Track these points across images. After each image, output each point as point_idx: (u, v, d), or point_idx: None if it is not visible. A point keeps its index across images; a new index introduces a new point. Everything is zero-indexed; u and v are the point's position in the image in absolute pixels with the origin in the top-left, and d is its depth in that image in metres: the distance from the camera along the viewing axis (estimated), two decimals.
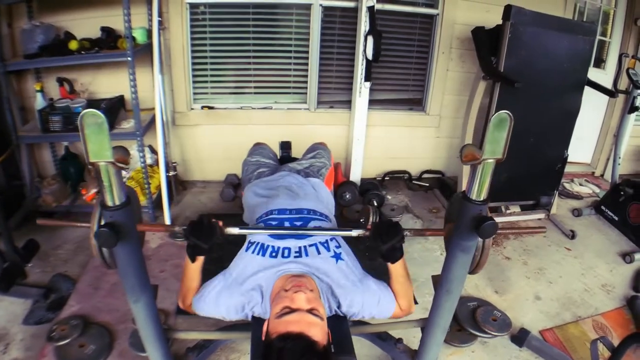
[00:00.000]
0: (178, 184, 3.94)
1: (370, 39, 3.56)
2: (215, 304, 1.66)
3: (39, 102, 3.19)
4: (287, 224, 1.83)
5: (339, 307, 1.67)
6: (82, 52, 3.17)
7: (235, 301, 1.64)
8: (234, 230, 1.64)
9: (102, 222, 1.32)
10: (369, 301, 1.68)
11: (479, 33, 3.49)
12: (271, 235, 1.77)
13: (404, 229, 1.62)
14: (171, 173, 3.64)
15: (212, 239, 1.60)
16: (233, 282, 1.67)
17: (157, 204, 3.55)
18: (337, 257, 1.71)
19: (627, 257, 3.53)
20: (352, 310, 1.68)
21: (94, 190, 3.45)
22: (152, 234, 3.31)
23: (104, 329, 2.45)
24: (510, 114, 1.22)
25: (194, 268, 1.71)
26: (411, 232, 1.65)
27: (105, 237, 1.26)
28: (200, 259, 1.69)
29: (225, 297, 1.65)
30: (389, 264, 1.69)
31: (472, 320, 2.64)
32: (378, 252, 1.65)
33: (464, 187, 1.45)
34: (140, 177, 3.49)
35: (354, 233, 1.67)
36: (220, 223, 1.63)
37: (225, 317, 1.69)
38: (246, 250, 1.74)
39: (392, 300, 1.73)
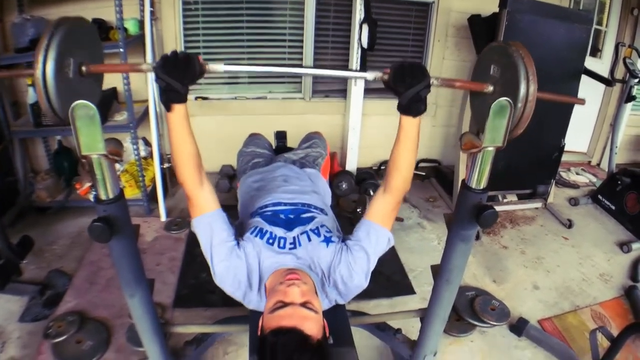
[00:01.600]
0: (172, 176, 3.91)
1: (365, 28, 3.52)
2: (221, 261, 1.54)
3: (31, 97, 3.14)
4: (282, 215, 1.79)
5: (339, 293, 1.64)
6: None
7: (239, 273, 1.57)
8: (217, 67, 1.34)
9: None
10: (358, 266, 1.58)
11: (475, 21, 3.47)
12: (267, 222, 1.73)
13: (431, 75, 1.35)
14: (165, 165, 3.61)
15: (190, 77, 1.30)
16: (243, 256, 1.58)
17: (151, 196, 3.54)
18: (328, 240, 1.66)
19: (624, 246, 3.54)
20: (350, 285, 1.60)
21: (87, 185, 3.42)
22: (147, 227, 3.30)
23: (100, 325, 2.43)
24: (510, 101, 1.20)
25: (177, 121, 1.39)
26: (439, 79, 1.39)
27: (99, 232, 1.24)
28: (180, 110, 1.36)
29: (233, 265, 1.55)
30: (403, 120, 1.45)
31: (470, 309, 2.64)
32: (398, 103, 1.40)
33: (460, 175, 1.43)
34: (135, 170, 3.46)
35: (369, 76, 1.42)
36: (200, 58, 1.31)
37: (217, 276, 1.56)
38: (246, 233, 1.69)
39: (377, 233, 1.60)
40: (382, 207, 1.62)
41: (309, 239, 1.67)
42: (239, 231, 1.75)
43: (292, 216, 1.79)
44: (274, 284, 1.51)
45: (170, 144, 1.46)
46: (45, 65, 1.12)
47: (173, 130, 1.41)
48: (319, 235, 1.69)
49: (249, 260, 1.58)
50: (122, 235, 1.34)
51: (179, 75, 1.28)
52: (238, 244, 1.61)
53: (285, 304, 1.38)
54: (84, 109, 1.11)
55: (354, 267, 1.58)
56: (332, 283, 1.62)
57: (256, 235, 1.66)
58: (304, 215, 1.79)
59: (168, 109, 1.35)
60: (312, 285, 1.53)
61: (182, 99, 1.34)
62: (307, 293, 1.44)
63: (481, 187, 1.34)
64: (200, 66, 1.30)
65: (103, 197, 1.28)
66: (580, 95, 3.63)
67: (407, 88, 1.34)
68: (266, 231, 1.68)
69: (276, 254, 1.62)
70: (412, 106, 1.39)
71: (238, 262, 1.56)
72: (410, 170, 1.53)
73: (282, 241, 1.66)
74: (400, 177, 1.53)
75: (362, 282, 1.60)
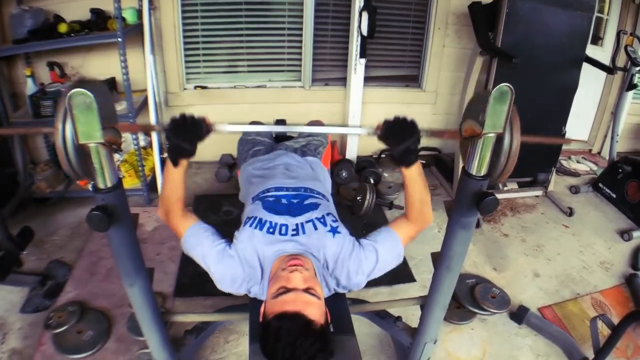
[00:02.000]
0: None
1: (365, 15, 3.50)
2: (215, 265, 1.57)
3: (30, 88, 3.14)
4: (284, 200, 1.79)
5: (338, 284, 1.64)
6: (72, 34, 3.10)
7: (235, 272, 1.58)
8: (223, 127, 1.42)
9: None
10: (366, 263, 1.61)
11: (476, 8, 3.43)
12: (268, 210, 1.72)
13: (420, 129, 1.43)
14: (165, 155, 3.60)
15: (198, 138, 1.40)
16: (235, 254, 1.59)
17: (151, 186, 3.54)
18: (334, 230, 1.67)
19: (625, 234, 3.54)
20: (353, 281, 1.62)
21: None
22: (148, 216, 3.29)
23: (101, 314, 2.44)
24: (511, 87, 1.19)
25: (178, 175, 1.52)
26: (428, 132, 1.45)
27: (97, 221, 1.23)
28: (184, 164, 1.50)
29: (226, 265, 1.57)
30: (403, 169, 1.54)
31: (470, 297, 2.64)
32: (390, 155, 1.51)
33: (461, 163, 1.43)
34: (134, 160, 3.45)
35: (363, 131, 1.51)
36: (207, 120, 1.41)
37: (216, 280, 1.60)
38: (244, 225, 1.70)
39: (393, 238, 1.65)
40: (404, 228, 1.68)
41: (315, 228, 1.67)
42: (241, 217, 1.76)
43: (295, 201, 1.79)
44: (275, 270, 1.52)
45: (164, 189, 1.58)
46: (65, 135, 1.19)
47: (171, 181, 1.55)
48: (325, 224, 1.69)
49: (244, 255, 1.59)
50: (120, 224, 1.33)
51: (188, 137, 1.39)
52: (229, 243, 1.63)
53: (288, 290, 1.39)
54: (81, 97, 1.10)
55: (362, 264, 1.61)
56: (334, 275, 1.63)
57: (255, 227, 1.66)
58: (308, 202, 1.79)
59: (175, 164, 1.47)
60: (314, 272, 1.54)
61: (190, 155, 1.44)
62: (310, 279, 1.45)
63: (482, 174, 1.33)
64: (208, 126, 1.39)
65: (101, 186, 1.27)
66: (581, 82, 3.61)
67: (398, 143, 1.42)
68: (265, 221, 1.68)
69: (278, 242, 1.62)
70: (404, 158, 1.48)
71: (231, 262, 1.58)
72: (425, 204, 1.65)
73: (283, 228, 1.66)
74: (416, 211, 1.64)
75: (362, 282, 1.63)
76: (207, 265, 1.58)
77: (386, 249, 1.64)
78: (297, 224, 1.67)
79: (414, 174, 1.55)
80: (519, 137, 1.33)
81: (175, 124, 1.38)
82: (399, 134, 1.42)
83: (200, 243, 1.59)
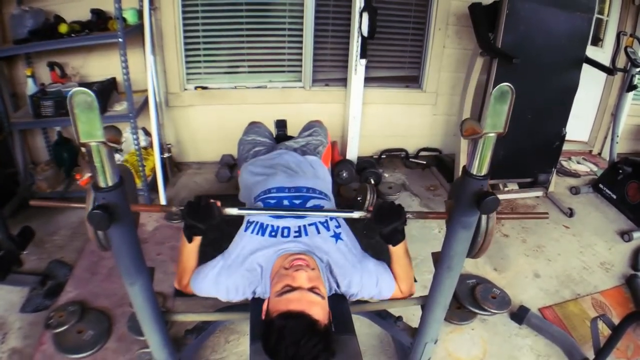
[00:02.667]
0: (173, 166, 3.91)
1: (365, 16, 3.51)
2: (215, 284, 1.63)
3: (30, 88, 3.14)
4: (285, 202, 1.80)
5: (337, 286, 1.66)
6: (73, 35, 3.10)
7: (235, 281, 1.61)
8: (232, 211, 1.59)
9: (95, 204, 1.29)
10: (367, 282, 1.66)
11: (476, 9, 3.44)
12: (270, 215, 1.74)
13: (406, 211, 1.60)
14: (166, 155, 3.61)
15: (210, 220, 1.57)
16: (232, 262, 1.64)
17: (152, 186, 3.54)
18: (337, 237, 1.69)
19: (625, 235, 3.53)
20: (350, 291, 1.66)
21: (88, 175, 3.42)
22: (148, 217, 3.30)
23: (102, 314, 2.44)
24: (511, 86, 1.19)
25: (191, 248, 1.69)
26: (413, 214, 1.63)
27: (98, 220, 1.23)
28: (198, 239, 1.67)
29: (224, 277, 1.62)
30: (390, 247, 1.67)
31: (471, 297, 2.65)
32: (379, 234, 1.64)
33: (461, 164, 1.43)
34: (135, 160, 3.44)
35: (355, 215, 1.62)
36: (218, 203, 1.58)
37: (225, 298, 1.66)
38: (245, 230, 1.72)
39: (391, 281, 1.71)
40: (396, 287, 1.75)
41: (318, 232, 1.70)
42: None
43: (297, 202, 1.81)
44: (278, 268, 1.53)
45: (180, 261, 1.75)
46: None
47: (186, 254, 1.72)
48: (328, 229, 1.71)
49: (242, 262, 1.63)
50: (121, 223, 1.33)
51: (202, 219, 1.57)
52: (223, 255, 1.71)
53: (293, 288, 1.40)
54: (82, 96, 1.10)
55: (363, 281, 1.66)
56: (335, 278, 1.65)
57: (257, 233, 1.69)
58: (310, 204, 1.81)
59: (190, 241, 1.65)
60: (318, 271, 1.55)
61: (203, 234, 1.64)
62: (314, 279, 1.46)
63: (482, 174, 1.33)
64: (218, 209, 1.58)
65: (102, 184, 1.26)
66: (581, 83, 3.62)
67: (386, 225, 1.61)
68: (267, 225, 1.70)
69: (281, 244, 1.64)
70: (391, 238, 1.64)
71: (229, 273, 1.64)
72: (409, 278, 1.75)
73: (285, 230, 1.68)
74: (402, 283, 1.74)
75: (357, 295, 1.70)
76: (215, 292, 1.67)
77: (384, 284, 1.71)
78: (299, 226, 1.68)
79: (400, 252, 1.69)
80: (495, 216, 1.51)
81: (191, 207, 1.57)
82: (387, 217, 1.60)
83: (203, 279, 1.67)
